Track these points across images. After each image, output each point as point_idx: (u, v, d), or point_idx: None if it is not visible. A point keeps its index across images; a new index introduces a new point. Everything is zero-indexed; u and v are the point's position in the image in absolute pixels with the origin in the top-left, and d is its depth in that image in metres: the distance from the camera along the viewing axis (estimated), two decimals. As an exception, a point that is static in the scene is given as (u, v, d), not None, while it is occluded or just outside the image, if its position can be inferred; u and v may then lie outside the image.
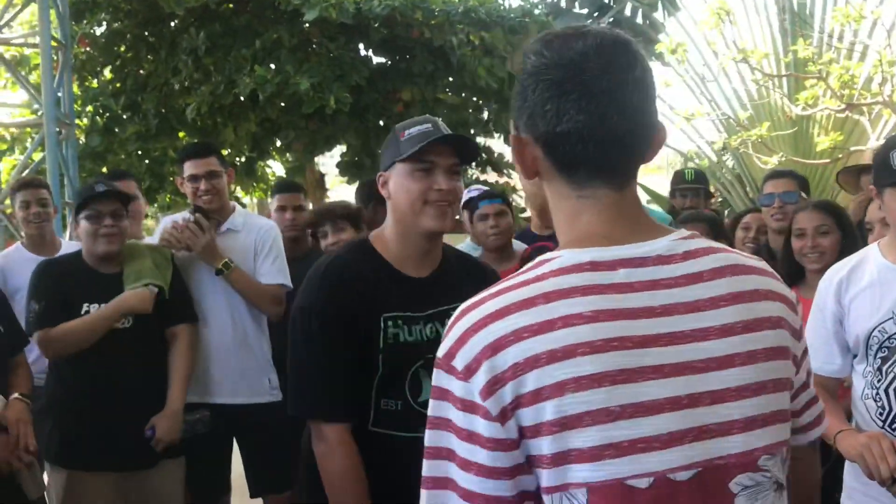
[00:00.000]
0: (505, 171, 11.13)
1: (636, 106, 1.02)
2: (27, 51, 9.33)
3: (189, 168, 3.33)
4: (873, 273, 2.14)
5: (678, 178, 4.42)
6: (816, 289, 2.75)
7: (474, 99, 11.20)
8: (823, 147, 5.89)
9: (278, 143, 10.63)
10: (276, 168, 13.01)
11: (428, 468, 1.04)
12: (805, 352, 1.18)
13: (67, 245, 3.80)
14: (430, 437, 1.04)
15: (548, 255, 1.05)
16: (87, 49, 9.94)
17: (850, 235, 2.87)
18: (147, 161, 9.90)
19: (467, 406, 0.99)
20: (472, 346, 1.00)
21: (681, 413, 0.97)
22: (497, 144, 11.73)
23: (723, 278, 1.04)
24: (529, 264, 1.07)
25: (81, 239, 3.02)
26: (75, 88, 9.14)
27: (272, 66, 8.91)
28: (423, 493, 1.04)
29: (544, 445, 0.96)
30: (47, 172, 7.68)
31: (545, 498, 0.99)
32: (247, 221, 3.40)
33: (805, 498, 1.29)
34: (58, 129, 7.77)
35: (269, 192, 12.76)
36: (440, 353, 1.04)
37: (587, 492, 0.96)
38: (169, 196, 10.54)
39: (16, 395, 2.70)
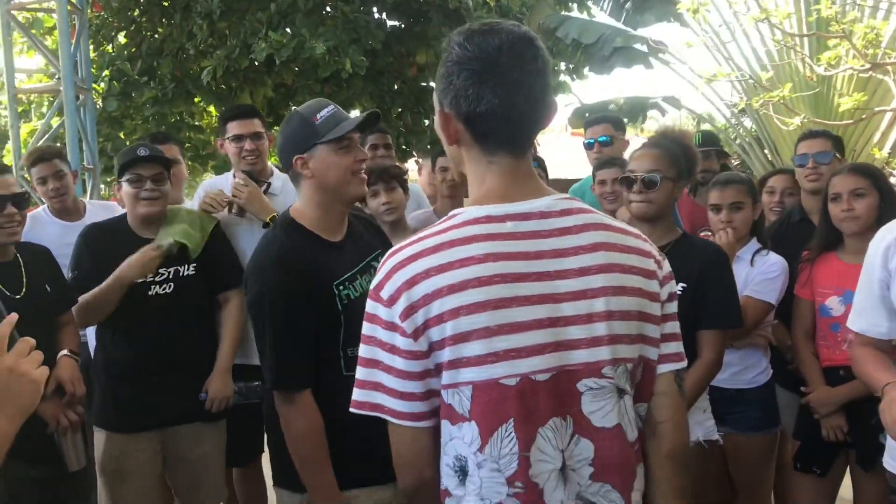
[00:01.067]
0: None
1: (537, 92, 1.33)
2: (40, 14, 9.30)
3: (233, 128, 3.32)
4: None
5: None
6: (856, 253, 2.73)
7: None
8: (846, 108, 5.82)
9: (294, 109, 10.59)
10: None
11: (361, 374, 1.38)
12: (671, 296, 1.45)
13: (91, 206, 3.82)
14: (363, 350, 1.38)
15: (457, 210, 1.38)
16: (101, 13, 9.90)
17: (888, 198, 2.82)
18: (164, 126, 9.90)
19: (389, 326, 1.33)
20: (395, 281, 1.33)
21: (542, 331, 1.29)
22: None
23: (587, 232, 1.35)
24: (445, 217, 1.39)
25: (124, 202, 3.03)
26: (91, 53, 9.12)
27: (287, 29, 8.86)
28: (356, 390, 1.38)
29: (445, 354, 1.30)
30: (66, 137, 7.72)
31: (443, 392, 1.33)
32: (285, 184, 3.39)
33: (665, 434, 1.48)
34: (76, 94, 7.78)
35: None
36: (372, 285, 1.38)
37: (472, 388, 1.29)
38: (188, 161, 10.56)
39: (65, 351, 2.74)
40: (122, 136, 10.00)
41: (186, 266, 2.99)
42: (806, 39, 7.03)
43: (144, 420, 2.93)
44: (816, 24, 6.80)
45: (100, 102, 9.53)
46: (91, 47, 9.15)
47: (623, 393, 1.36)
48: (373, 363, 1.36)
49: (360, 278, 2.24)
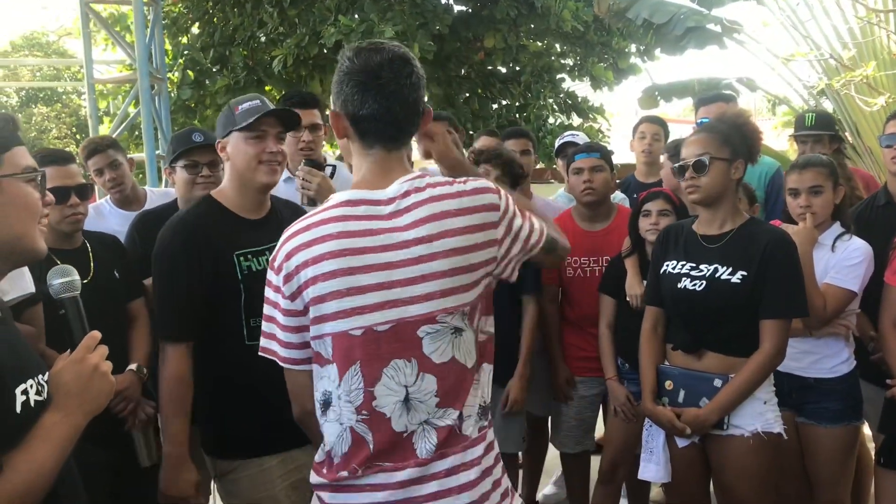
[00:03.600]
0: (590, 115, 10.92)
1: (410, 101, 1.67)
2: (123, 8, 9.56)
3: None
4: None
5: (799, 123, 4.00)
6: None
7: (557, 46, 10.97)
8: (935, 87, 5.54)
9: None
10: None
11: (263, 326, 1.76)
12: (512, 229, 1.72)
13: (152, 194, 3.78)
14: (265, 308, 1.75)
15: (333, 195, 1.72)
16: (176, 4, 10.13)
17: None
18: (236, 114, 10.08)
19: (277, 290, 1.70)
20: (281, 253, 1.68)
21: (382, 292, 1.61)
22: (581, 88, 11.50)
23: (420, 208, 1.64)
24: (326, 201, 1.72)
25: (178, 186, 3.05)
26: (166, 44, 9.33)
27: (356, 15, 8.91)
28: (262, 339, 1.77)
29: (312, 312, 1.65)
30: (142, 126, 7.92)
31: (312, 343, 1.69)
32: (339, 173, 3.38)
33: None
34: (151, 84, 7.98)
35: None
36: (272, 256, 1.72)
37: (331, 338, 1.64)
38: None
39: (132, 367, 2.70)
40: (197, 124, 10.23)
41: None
42: (892, 15, 6.72)
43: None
44: (903, -1, 6.49)
45: (174, 91, 9.76)
46: (166, 38, 9.37)
47: (459, 331, 1.65)
48: (270, 318, 1.75)
49: (267, 254, 2.37)
